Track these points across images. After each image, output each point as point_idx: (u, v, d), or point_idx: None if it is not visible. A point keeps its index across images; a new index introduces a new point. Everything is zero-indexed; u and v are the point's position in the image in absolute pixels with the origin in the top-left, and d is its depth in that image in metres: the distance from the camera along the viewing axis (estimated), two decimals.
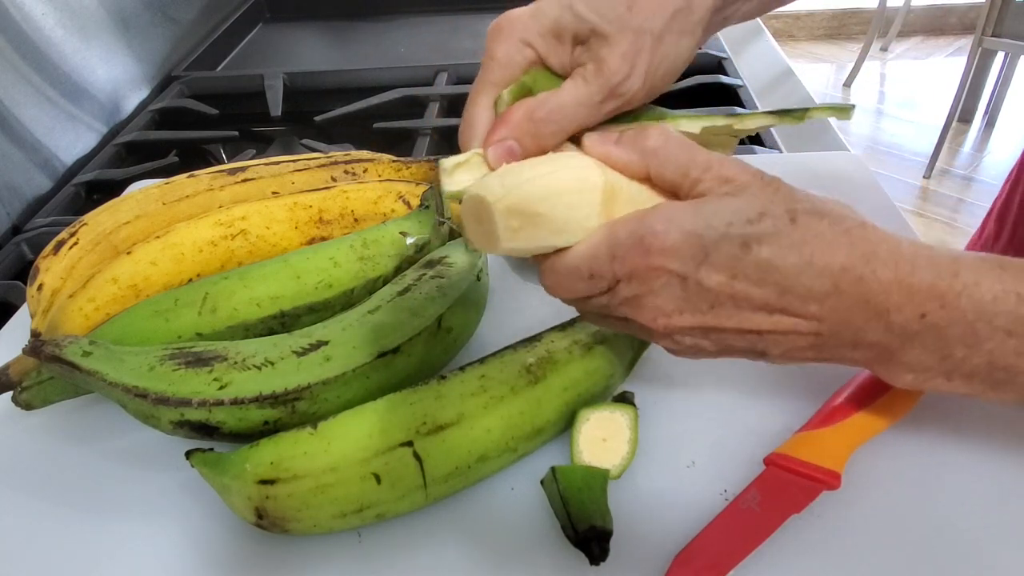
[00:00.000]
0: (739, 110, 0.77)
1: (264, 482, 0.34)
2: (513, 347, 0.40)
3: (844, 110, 0.38)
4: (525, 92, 0.36)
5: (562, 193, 0.31)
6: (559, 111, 0.35)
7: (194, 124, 0.88)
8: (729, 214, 0.31)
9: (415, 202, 0.51)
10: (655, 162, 0.33)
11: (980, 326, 0.31)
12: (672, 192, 0.33)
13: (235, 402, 0.36)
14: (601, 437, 0.39)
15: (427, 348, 0.41)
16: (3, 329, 0.53)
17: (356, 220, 0.50)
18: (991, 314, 0.30)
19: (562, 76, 0.36)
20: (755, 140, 0.73)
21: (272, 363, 0.38)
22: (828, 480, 0.36)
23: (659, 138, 0.33)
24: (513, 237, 0.31)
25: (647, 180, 0.33)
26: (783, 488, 0.36)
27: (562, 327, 0.42)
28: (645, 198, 0.33)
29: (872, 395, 0.39)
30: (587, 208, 0.31)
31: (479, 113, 0.36)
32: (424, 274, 0.44)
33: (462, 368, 0.39)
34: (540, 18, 0.36)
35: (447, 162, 0.34)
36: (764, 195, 0.31)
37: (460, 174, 0.34)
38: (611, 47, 0.35)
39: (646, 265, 0.31)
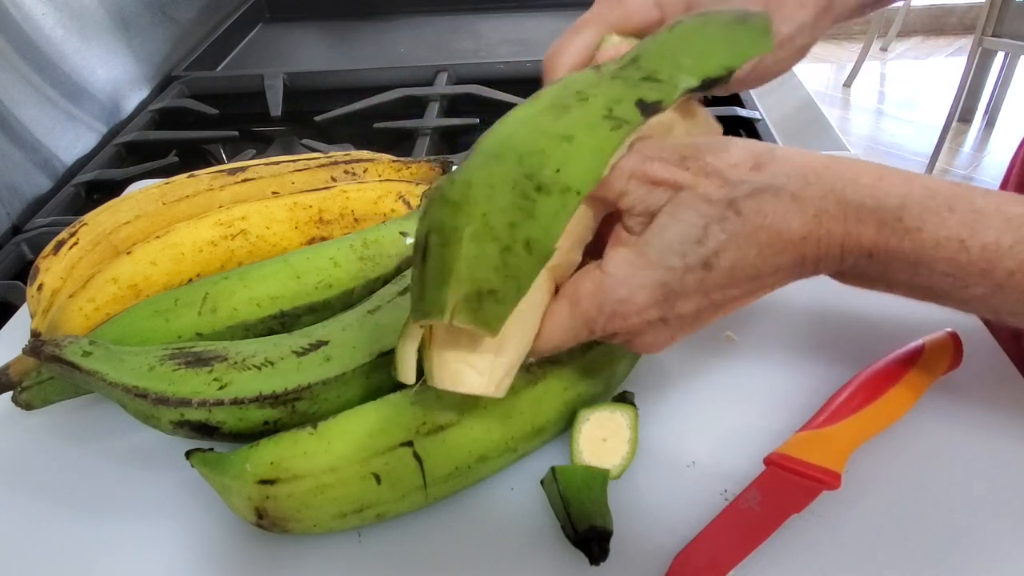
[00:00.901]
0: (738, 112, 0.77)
1: (264, 482, 0.34)
2: None
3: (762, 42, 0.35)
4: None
5: (531, 330, 0.32)
6: None
7: (194, 124, 0.88)
8: (677, 246, 0.31)
9: (415, 202, 0.51)
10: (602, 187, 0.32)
11: (920, 268, 0.31)
12: (603, 204, 0.33)
13: (235, 402, 0.36)
14: (601, 437, 0.39)
15: None
16: (3, 329, 0.53)
17: (356, 220, 0.50)
18: (931, 259, 0.31)
19: None
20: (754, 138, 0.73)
21: (272, 363, 0.38)
22: (828, 480, 0.36)
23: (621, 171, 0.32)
24: (505, 385, 0.32)
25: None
26: (783, 488, 0.36)
27: None
28: (571, 244, 0.33)
29: (872, 395, 0.39)
30: (540, 309, 0.33)
31: (578, 42, 0.37)
32: None
33: None
34: None
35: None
36: (699, 199, 0.31)
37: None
38: None
39: (627, 327, 0.32)
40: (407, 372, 0.33)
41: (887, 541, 0.35)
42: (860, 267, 0.32)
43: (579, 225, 0.32)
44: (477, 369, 0.31)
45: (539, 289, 0.32)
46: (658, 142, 0.33)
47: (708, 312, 0.33)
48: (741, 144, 0.32)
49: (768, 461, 0.38)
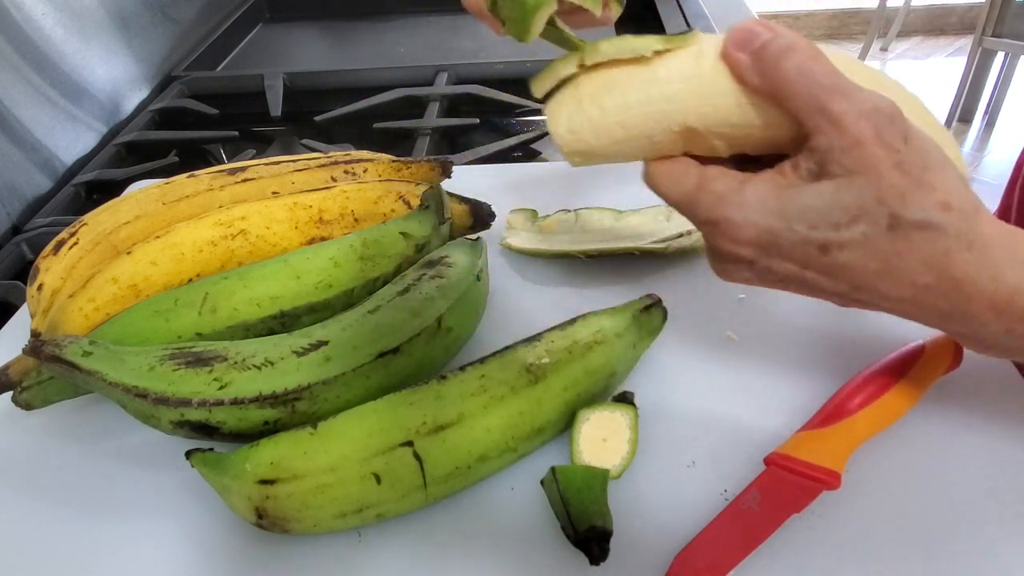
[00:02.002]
0: None
1: (264, 482, 0.34)
2: (513, 347, 0.40)
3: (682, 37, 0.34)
4: None
5: (632, 140, 0.32)
6: None
7: (194, 124, 0.88)
8: (816, 214, 0.29)
9: (415, 202, 0.51)
10: (779, 92, 0.30)
11: None
12: (791, 121, 0.31)
13: (235, 402, 0.36)
14: (601, 437, 0.39)
15: (427, 348, 0.41)
16: (3, 329, 0.53)
17: (356, 220, 0.50)
18: None
19: None
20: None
21: (272, 363, 0.38)
22: (828, 480, 0.36)
23: (793, 70, 0.30)
24: (583, 164, 0.34)
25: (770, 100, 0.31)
26: (783, 488, 0.36)
27: (562, 327, 0.42)
28: (730, 130, 0.32)
29: (872, 395, 0.39)
30: (660, 148, 0.33)
31: None
32: (424, 274, 0.44)
33: (462, 368, 0.39)
34: None
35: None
36: (872, 189, 0.29)
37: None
38: None
39: (717, 246, 0.32)
40: (540, 86, 0.34)
41: (887, 541, 0.35)
42: (992, 340, 0.32)
43: (759, 138, 0.31)
44: (571, 125, 0.32)
45: (667, 143, 0.32)
46: (903, 116, 0.30)
47: (793, 284, 0.32)
48: (955, 177, 0.30)
49: (768, 461, 0.38)
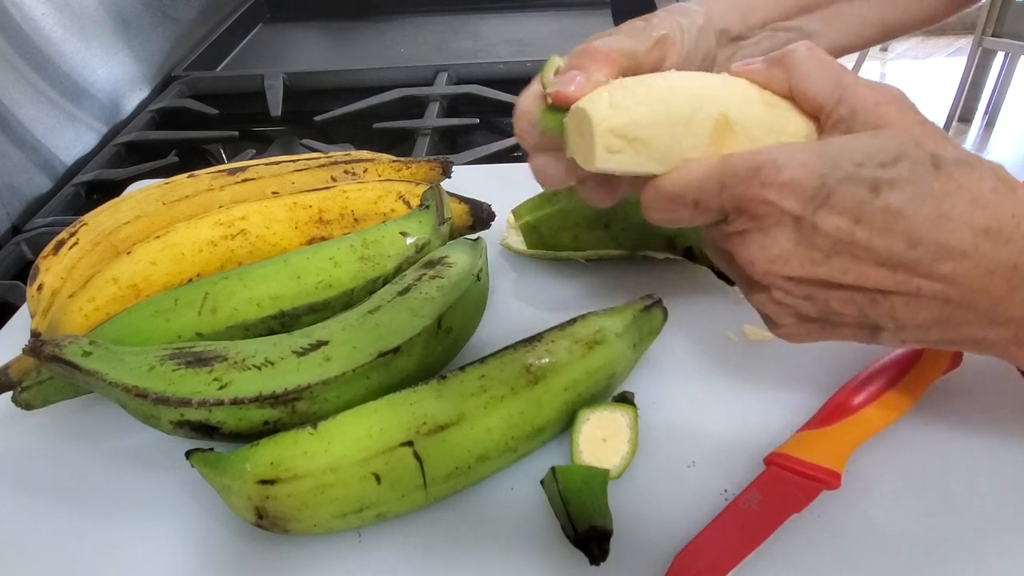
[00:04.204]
0: None
1: (264, 482, 0.34)
2: (513, 347, 0.40)
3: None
4: None
5: (672, 122, 0.30)
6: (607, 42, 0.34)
7: (194, 124, 0.88)
8: (860, 154, 0.28)
9: (415, 202, 0.51)
10: (796, 79, 0.31)
11: None
12: (813, 114, 0.31)
13: (235, 402, 0.36)
14: (601, 437, 0.39)
15: (427, 348, 0.41)
16: (3, 329, 0.53)
17: (356, 220, 0.50)
18: None
19: None
20: None
21: (272, 363, 0.38)
22: (828, 480, 0.36)
23: (804, 53, 0.31)
24: (609, 159, 0.30)
25: (789, 97, 0.32)
26: (783, 488, 0.36)
27: (562, 327, 0.42)
28: (762, 134, 0.31)
29: (872, 395, 0.40)
30: (694, 139, 0.30)
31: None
32: (424, 274, 0.44)
33: (462, 368, 0.39)
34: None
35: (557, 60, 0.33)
36: (907, 134, 0.28)
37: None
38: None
39: (758, 197, 0.28)
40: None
41: (887, 541, 0.35)
42: None
43: (786, 132, 0.31)
44: (612, 100, 0.30)
45: (702, 139, 0.30)
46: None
47: (843, 258, 0.28)
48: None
49: (768, 461, 0.38)
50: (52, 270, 0.47)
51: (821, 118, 0.31)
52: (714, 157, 0.30)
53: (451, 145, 0.83)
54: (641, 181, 0.31)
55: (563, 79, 0.32)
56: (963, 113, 2.45)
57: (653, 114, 0.30)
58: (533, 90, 0.34)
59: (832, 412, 0.39)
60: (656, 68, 0.36)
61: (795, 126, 0.32)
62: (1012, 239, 0.28)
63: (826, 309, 0.30)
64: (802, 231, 0.28)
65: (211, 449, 0.37)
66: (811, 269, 0.29)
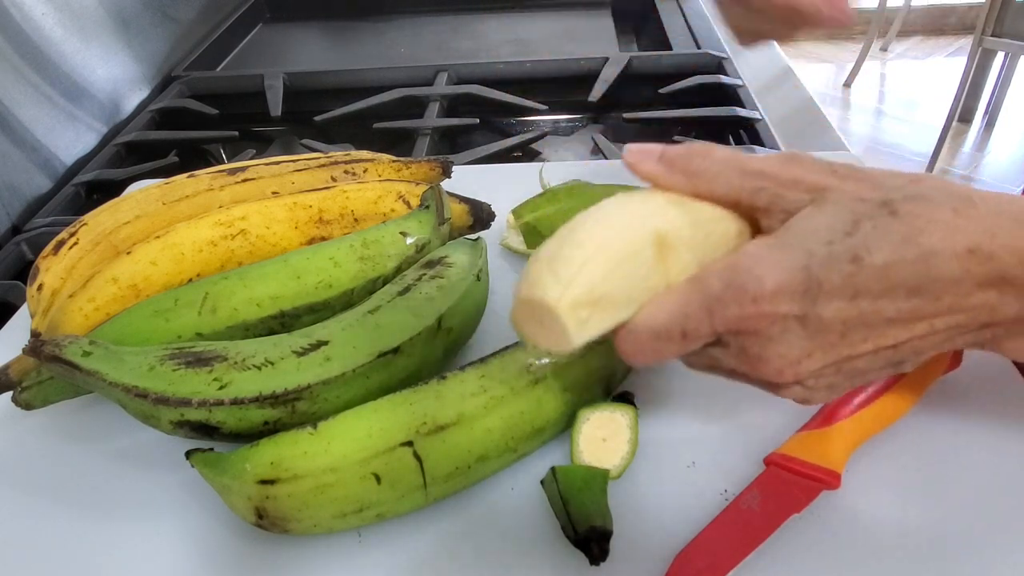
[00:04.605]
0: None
1: (264, 482, 0.34)
2: (513, 347, 0.40)
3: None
4: None
5: (620, 265, 0.28)
6: None
7: (194, 124, 0.88)
8: (824, 232, 0.28)
9: (415, 202, 0.51)
10: (703, 184, 0.30)
11: None
12: (732, 205, 0.31)
13: (235, 402, 0.36)
14: (601, 437, 0.39)
15: (427, 348, 0.41)
16: (3, 329, 0.53)
17: (356, 220, 0.50)
18: None
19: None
20: (755, 140, 0.73)
21: (272, 363, 0.38)
22: (828, 480, 0.36)
23: (703, 159, 0.30)
24: (583, 331, 0.28)
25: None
26: (783, 488, 0.36)
27: None
28: (700, 241, 0.30)
29: (872, 395, 0.39)
30: (646, 270, 0.29)
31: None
32: (424, 274, 0.44)
33: (462, 368, 0.39)
34: None
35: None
36: (847, 198, 0.28)
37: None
38: None
39: (756, 313, 0.27)
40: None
41: (887, 541, 0.35)
42: None
43: (716, 232, 0.30)
44: (558, 276, 0.27)
45: (651, 266, 0.29)
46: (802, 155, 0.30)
47: (856, 332, 0.28)
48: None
49: (768, 461, 0.38)
50: (52, 270, 0.47)
51: (743, 211, 0.31)
52: (680, 284, 0.29)
53: (451, 145, 0.83)
54: (610, 333, 0.29)
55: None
56: (963, 113, 2.45)
57: (602, 267, 0.28)
58: None
59: (832, 412, 0.39)
60: None
61: (725, 225, 0.31)
62: (993, 254, 0.28)
63: (854, 374, 0.30)
64: (809, 326, 0.28)
65: (211, 449, 0.37)
66: (833, 353, 0.29)
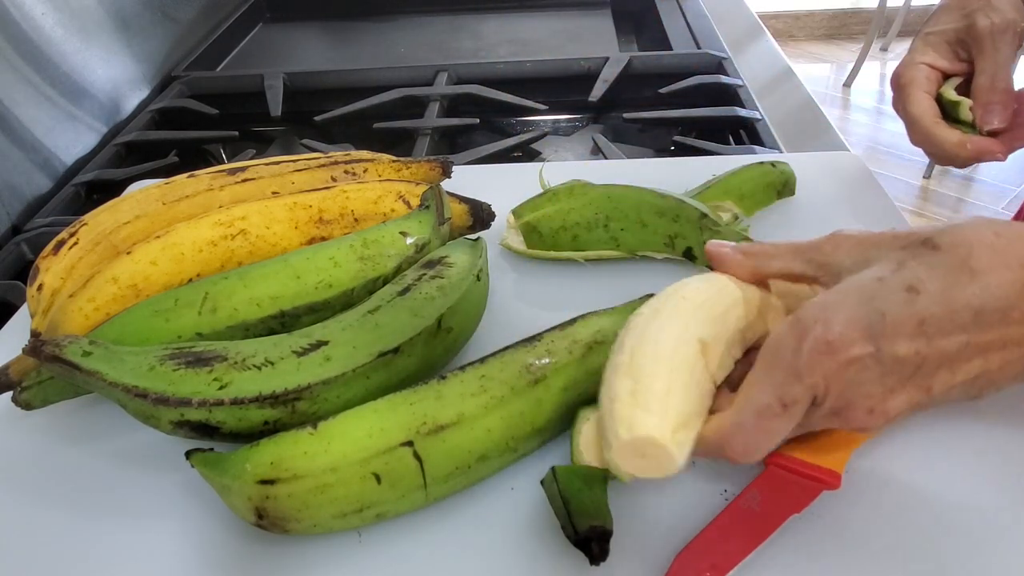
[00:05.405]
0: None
1: (264, 482, 0.34)
2: (513, 347, 0.40)
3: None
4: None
5: (689, 384, 0.32)
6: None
7: (194, 124, 0.88)
8: (873, 275, 0.29)
9: (415, 202, 0.51)
10: (765, 265, 0.36)
11: None
12: (790, 279, 0.35)
13: (235, 402, 0.36)
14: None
15: (427, 348, 0.41)
16: (3, 329, 0.53)
17: (356, 220, 0.50)
18: None
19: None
20: (755, 140, 0.73)
21: (272, 363, 0.38)
22: (828, 480, 0.36)
23: (764, 246, 0.36)
24: (682, 450, 0.30)
25: (764, 286, 0.36)
26: (783, 488, 0.36)
27: (562, 327, 0.42)
28: (722, 325, 0.34)
29: None
30: (699, 376, 0.32)
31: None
32: (424, 274, 0.44)
33: (462, 368, 0.39)
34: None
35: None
36: (888, 246, 0.30)
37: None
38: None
39: (836, 363, 0.28)
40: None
41: (887, 541, 0.35)
42: None
43: (732, 315, 0.35)
44: (651, 411, 0.31)
45: (702, 371, 0.33)
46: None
47: (932, 364, 0.28)
48: None
49: (768, 461, 0.38)
50: (52, 270, 0.47)
51: (806, 282, 0.35)
52: (756, 364, 0.31)
53: (451, 145, 0.83)
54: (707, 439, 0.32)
55: None
56: None
57: (680, 391, 0.31)
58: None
59: None
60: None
61: (739, 307, 0.36)
62: None
63: (935, 403, 0.31)
64: (885, 362, 0.28)
65: (211, 449, 0.37)
66: (914, 387, 0.29)
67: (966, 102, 0.50)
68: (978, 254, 0.28)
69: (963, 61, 0.52)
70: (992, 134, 0.49)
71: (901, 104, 0.53)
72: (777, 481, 0.37)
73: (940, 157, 0.51)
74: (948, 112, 0.52)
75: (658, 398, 0.31)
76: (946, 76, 0.53)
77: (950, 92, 0.52)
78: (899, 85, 0.53)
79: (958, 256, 0.28)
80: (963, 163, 0.51)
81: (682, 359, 0.32)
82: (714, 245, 0.37)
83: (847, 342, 0.28)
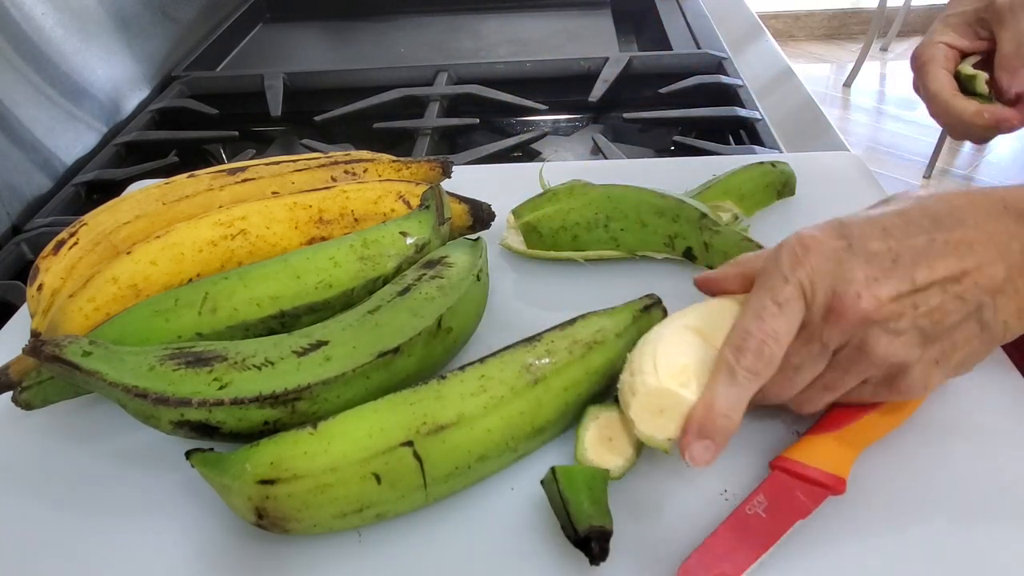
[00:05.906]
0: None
1: (264, 482, 0.34)
2: (513, 347, 0.40)
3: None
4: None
5: (675, 345, 0.37)
6: None
7: (194, 124, 0.88)
8: (864, 217, 0.34)
9: (415, 202, 0.51)
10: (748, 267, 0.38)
11: None
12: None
13: (235, 402, 0.36)
14: (608, 436, 0.39)
15: (427, 348, 0.41)
16: (3, 329, 0.53)
17: (356, 220, 0.50)
18: None
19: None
20: (755, 140, 0.73)
21: (272, 363, 0.38)
22: (834, 485, 0.36)
23: (738, 260, 0.39)
24: (689, 389, 0.35)
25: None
26: (789, 493, 0.36)
27: (562, 327, 0.42)
28: (718, 320, 0.37)
29: None
30: (696, 347, 0.37)
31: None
32: (424, 274, 0.44)
33: (462, 368, 0.39)
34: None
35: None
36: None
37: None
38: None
39: (815, 257, 0.33)
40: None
41: (889, 544, 0.35)
42: None
43: (726, 315, 0.37)
44: (645, 372, 0.36)
45: (701, 344, 0.37)
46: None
47: (907, 258, 0.32)
48: None
49: (774, 465, 0.38)
50: (52, 270, 0.47)
51: None
52: (753, 296, 0.35)
53: (451, 145, 0.83)
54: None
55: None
56: None
57: (665, 352, 0.37)
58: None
59: (836, 417, 0.39)
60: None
61: (733, 310, 0.39)
62: (1007, 200, 0.34)
63: (934, 314, 0.33)
64: (859, 254, 0.33)
65: (211, 449, 0.37)
66: (896, 279, 0.32)
67: (982, 75, 0.52)
68: (956, 194, 0.33)
69: (982, 39, 0.54)
70: (1009, 103, 0.51)
71: (920, 81, 0.54)
72: (783, 487, 0.36)
73: (958, 129, 0.52)
74: (965, 87, 0.53)
75: (649, 362, 0.36)
76: (963, 56, 0.55)
77: (967, 68, 0.53)
78: (919, 64, 0.54)
79: (933, 196, 0.34)
80: (980, 134, 0.52)
81: (671, 334, 0.37)
82: (700, 275, 0.41)
83: (820, 240, 0.33)
